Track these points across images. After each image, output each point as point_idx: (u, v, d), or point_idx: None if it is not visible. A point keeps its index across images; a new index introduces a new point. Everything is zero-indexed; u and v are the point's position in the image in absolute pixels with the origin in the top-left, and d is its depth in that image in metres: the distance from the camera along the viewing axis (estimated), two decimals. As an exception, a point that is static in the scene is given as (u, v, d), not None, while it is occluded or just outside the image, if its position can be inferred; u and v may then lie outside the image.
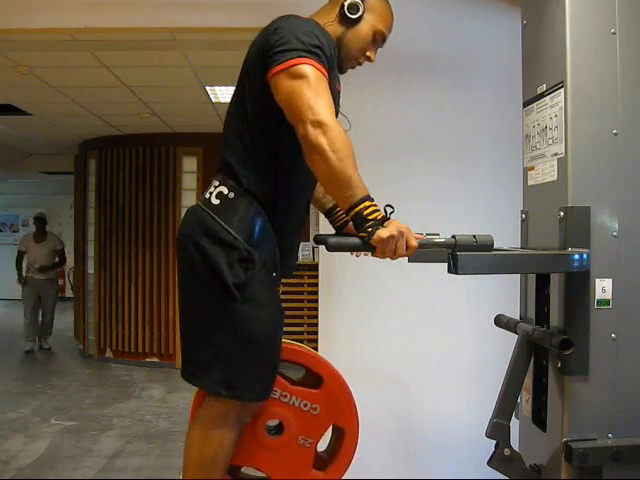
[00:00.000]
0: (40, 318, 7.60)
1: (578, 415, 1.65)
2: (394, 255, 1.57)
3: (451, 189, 2.77)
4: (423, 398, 2.79)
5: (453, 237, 1.59)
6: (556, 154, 1.72)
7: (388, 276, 2.70)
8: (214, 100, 5.37)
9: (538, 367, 1.82)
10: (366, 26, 1.82)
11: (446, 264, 1.60)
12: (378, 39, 1.87)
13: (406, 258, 1.64)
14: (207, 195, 1.76)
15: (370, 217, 1.54)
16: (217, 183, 1.76)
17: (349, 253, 1.89)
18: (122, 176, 6.86)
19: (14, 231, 12.34)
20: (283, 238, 1.76)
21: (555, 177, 1.73)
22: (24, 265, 7.59)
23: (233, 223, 1.69)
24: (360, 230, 1.57)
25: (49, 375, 6.40)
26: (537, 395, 1.83)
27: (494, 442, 1.70)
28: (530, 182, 1.90)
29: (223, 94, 5.20)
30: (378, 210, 1.56)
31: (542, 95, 1.81)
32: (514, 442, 1.73)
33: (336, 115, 1.79)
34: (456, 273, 1.56)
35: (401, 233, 1.54)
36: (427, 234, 1.68)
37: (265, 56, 1.66)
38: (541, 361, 1.80)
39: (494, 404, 1.73)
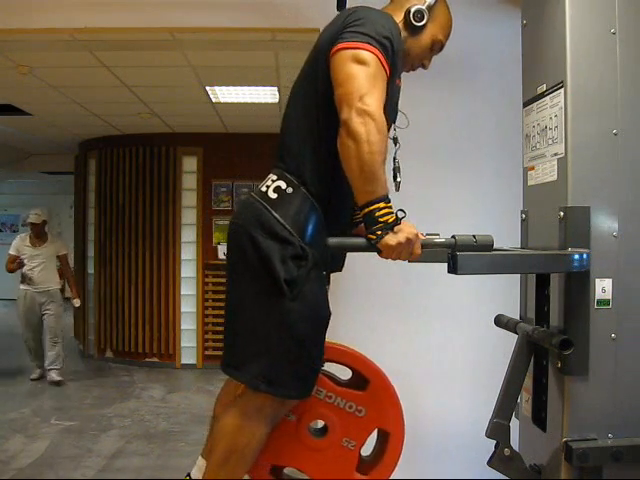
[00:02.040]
0: (47, 342, 5.96)
1: (578, 415, 1.65)
2: (397, 259, 1.58)
3: (451, 189, 2.77)
4: (423, 398, 2.79)
5: (453, 237, 1.59)
6: (556, 154, 1.72)
7: (388, 276, 2.70)
8: (214, 100, 5.37)
9: (538, 367, 1.82)
10: (427, 35, 1.82)
11: (446, 264, 1.60)
12: (436, 48, 1.87)
13: (406, 258, 1.64)
14: (263, 189, 1.75)
15: (381, 219, 1.54)
16: (275, 177, 1.75)
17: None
18: (122, 176, 6.86)
19: (14, 231, 12.32)
20: (334, 234, 1.74)
21: (555, 177, 1.73)
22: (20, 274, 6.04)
23: (289, 218, 1.67)
24: (369, 231, 1.56)
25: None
26: (537, 395, 1.83)
27: (494, 442, 1.70)
28: (530, 182, 1.90)
29: (223, 94, 5.20)
30: (391, 213, 1.56)
31: (542, 95, 1.81)
32: (514, 442, 1.73)
33: (395, 112, 1.82)
34: (456, 273, 1.56)
35: (408, 241, 1.54)
36: (427, 234, 1.68)
37: (338, 35, 1.65)
38: (541, 361, 1.80)
39: (494, 404, 1.73)
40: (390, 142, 1.85)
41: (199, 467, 1.86)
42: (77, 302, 6.13)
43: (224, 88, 5.04)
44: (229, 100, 5.36)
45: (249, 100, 5.40)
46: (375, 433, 1.92)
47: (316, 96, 1.72)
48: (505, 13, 2.67)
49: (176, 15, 2.92)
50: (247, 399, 1.73)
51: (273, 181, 1.74)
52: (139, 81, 4.85)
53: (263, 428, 1.73)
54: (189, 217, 6.82)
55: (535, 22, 1.88)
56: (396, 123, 1.89)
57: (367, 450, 1.95)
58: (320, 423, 1.89)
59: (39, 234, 6.05)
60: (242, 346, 1.74)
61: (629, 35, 1.68)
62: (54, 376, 5.85)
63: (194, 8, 2.91)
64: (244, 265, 1.72)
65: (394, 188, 1.88)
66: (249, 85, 4.97)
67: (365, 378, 1.88)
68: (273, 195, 1.72)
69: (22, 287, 5.97)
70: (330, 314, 1.78)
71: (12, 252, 6.06)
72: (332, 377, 1.90)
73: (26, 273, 5.95)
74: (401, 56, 1.74)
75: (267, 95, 5.23)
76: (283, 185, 1.72)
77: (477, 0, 2.79)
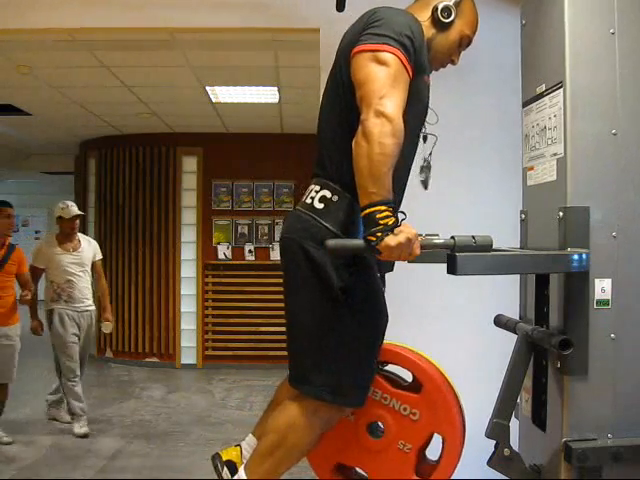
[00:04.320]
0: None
1: (578, 415, 1.65)
2: (397, 260, 1.59)
3: (450, 189, 2.77)
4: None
5: (452, 238, 1.59)
6: (555, 154, 1.72)
7: (388, 276, 2.70)
8: (214, 100, 5.38)
9: (538, 367, 1.82)
10: (455, 31, 1.83)
11: (445, 265, 1.60)
12: (464, 43, 1.88)
13: (406, 259, 1.64)
14: (308, 200, 1.75)
15: (381, 222, 1.53)
16: (318, 187, 1.75)
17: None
18: (122, 176, 6.86)
19: (14, 231, 12.33)
20: None
21: (554, 177, 1.74)
22: (47, 292, 4.43)
23: (339, 225, 1.69)
24: (368, 232, 1.55)
25: (49, 375, 6.39)
26: (537, 395, 1.83)
27: (494, 442, 1.70)
28: (529, 182, 1.90)
29: (223, 94, 5.21)
30: (391, 216, 1.55)
31: (541, 95, 1.81)
32: (514, 442, 1.73)
33: (425, 110, 1.82)
34: (455, 274, 1.56)
35: (408, 241, 1.54)
36: (426, 235, 1.68)
37: (358, 37, 1.66)
38: (541, 361, 1.80)
39: (494, 404, 1.73)
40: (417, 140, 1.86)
41: (249, 443, 1.88)
42: (109, 327, 4.74)
43: (224, 88, 5.05)
44: (229, 100, 5.37)
45: (249, 100, 5.40)
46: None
47: (345, 100, 1.71)
48: (505, 13, 2.66)
49: (176, 15, 2.92)
50: (306, 400, 1.73)
51: (317, 192, 1.75)
52: (139, 81, 4.85)
53: (316, 431, 1.74)
54: (189, 217, 6.82)
55: (534, 22, 1.88)
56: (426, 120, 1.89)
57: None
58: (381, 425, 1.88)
59: (71, 234, 4.54)
60: (303, 358, 1.75)
61: (628, 35, 1.68)
62: (81, 429, 4.32)
63: (194, 8, 2.91)
64: (299, 278, 1.74)
65: (422, 186, 1.91)
66: (249, 85, 4.98)
67: (420, 381, 1.86)
68: (319, 205, 1.72)
69: (57, 307, 4.38)
70: (387, 317, 1.79)
71: (38, 265, 4.39)
72: (390, 378, 1.88)
73: (63, 287, 4.39)
74: (425, 53, 1.73)
75: (267, 95, 5.24)
76: (328, 194, 1.73)
77: (477, 0, 2.79)
